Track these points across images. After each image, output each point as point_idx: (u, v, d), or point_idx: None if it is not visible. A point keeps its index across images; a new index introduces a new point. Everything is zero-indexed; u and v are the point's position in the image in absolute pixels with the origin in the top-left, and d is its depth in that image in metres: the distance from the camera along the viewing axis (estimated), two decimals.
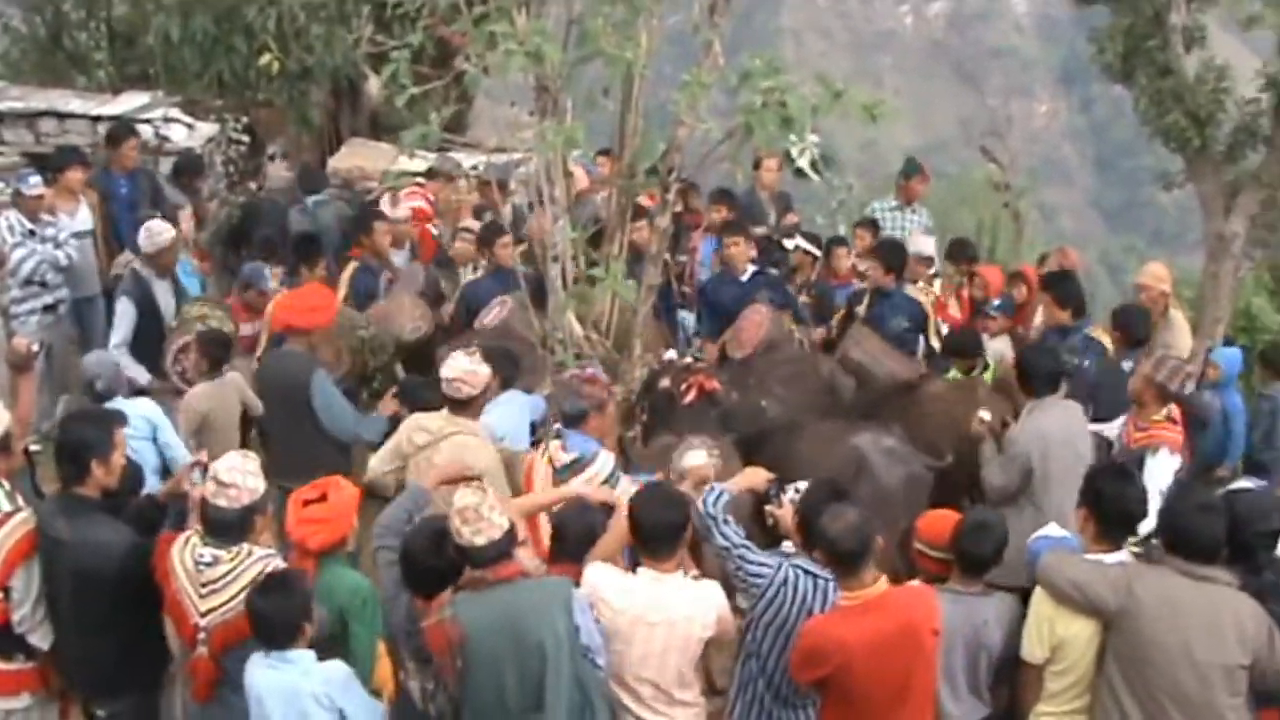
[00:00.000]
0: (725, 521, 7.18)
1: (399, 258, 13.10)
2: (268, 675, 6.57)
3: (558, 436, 8.64)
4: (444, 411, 8.66)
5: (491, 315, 11.29)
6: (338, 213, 14.30)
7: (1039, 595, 7.24)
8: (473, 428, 8.62)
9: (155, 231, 11.59)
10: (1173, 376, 9.24)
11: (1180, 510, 6.97)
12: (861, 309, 11.91)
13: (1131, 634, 6.86)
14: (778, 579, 6.97)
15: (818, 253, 14.35)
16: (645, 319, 10.37)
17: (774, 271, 12.85)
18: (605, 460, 8.47)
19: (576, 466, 8.41)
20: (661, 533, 6.99)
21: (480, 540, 6.56)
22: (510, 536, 6.70)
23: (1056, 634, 7.12)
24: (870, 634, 6.61)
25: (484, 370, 8.63)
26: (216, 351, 10.41)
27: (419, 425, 8.72)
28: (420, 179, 14.38)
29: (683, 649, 7.02)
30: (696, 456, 8.41)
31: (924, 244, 13.56)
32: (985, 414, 9.54)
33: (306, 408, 9.78)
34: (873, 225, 14.22)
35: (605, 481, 8.33)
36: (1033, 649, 7.24)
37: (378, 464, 8.86)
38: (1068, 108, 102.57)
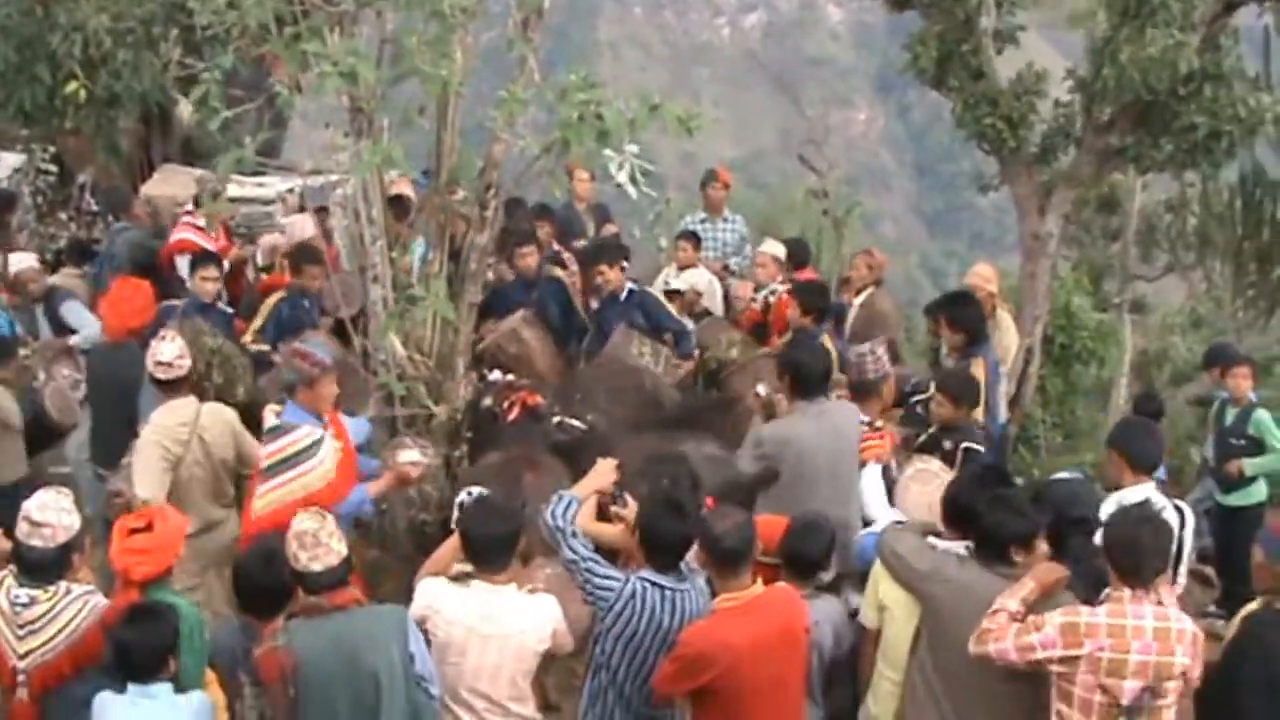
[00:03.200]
0: (574, 535, 7.20)
1: None
2: (128, 714, 6.42)
3: (280, 402, 8.84)
4: (164, 401, 9.26)
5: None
6: (130, 240, 14.06)
7: (876, 562, 7.59)
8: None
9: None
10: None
11: (976, 505, 7.23)
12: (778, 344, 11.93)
13: (933, 616, 7.18)
14: (625, 592, 7.01)
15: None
16: (466, 339, 10.37)
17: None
18: (305, 432, 8.59)
19: (277, 432, 8.57)
20: (492, 544, 7.08)
21: (317, 566, 6.55)
22: (347, 563, 6.69)
23: (879, 597, 7.48)
24: (754, 635, 6.77)
25: (186, 350, 9.36)
26: None
27: (164, 425, 9.13)
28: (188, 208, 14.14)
29: (516, 662, 7.08)
30: (409, 454, 8.87)
31: (774, 245, 13.79)
32: (762, 388, 9.69)
33: (135, 402, 9.94)
34: (694, 238, 14.28)
35: (303, 450, 8.48)
36: (866, 614, 7.64)
37: (148, 489, 8.97)
38: (885, 114, 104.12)
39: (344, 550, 6.65)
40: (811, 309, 11.63)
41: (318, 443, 8.58)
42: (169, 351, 9.20)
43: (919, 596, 7.26)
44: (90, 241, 15.60)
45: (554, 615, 7.20)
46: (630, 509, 7.75)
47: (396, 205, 11.37)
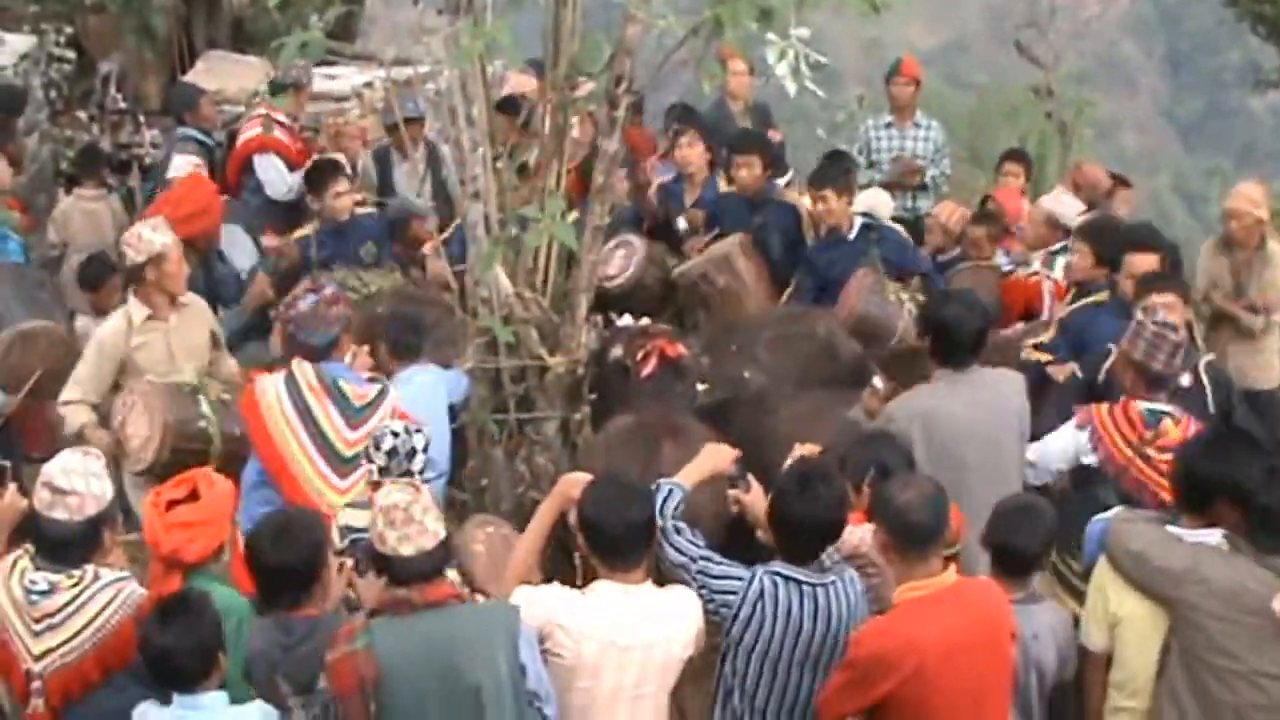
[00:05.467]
0: (678, 530, 7.23)
1: None
2: None
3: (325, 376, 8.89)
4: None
5: None
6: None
7: (1100, 565, 7.50)
8: None
9: None
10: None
11: (1232, 478, 7.15)
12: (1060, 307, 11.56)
13: (1193, 629, 7.05)
14: (752, 592, 7.01)
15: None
16: (589, 272, 10.38)
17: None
18: (390, 388, 8.98)
19: (365, 414, 8.77)
20: (625, 535, 6.96)
21: (408, 549, 6.52)
22: (444, 548, 6.69)
23: (1111, 610, 7.37)
24: (946, 632, 6.68)
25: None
26: None
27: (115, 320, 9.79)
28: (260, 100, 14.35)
29: (661, 676, 7.05)
30: None
31: (1065, 205, 13.04)
32: (878, 381, 9.59)
33: None
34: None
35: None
36: (1091, 632, 7.53)
37: (81, 393, 9.68)
38: None
39: (442, 531, 6.63)
40: (1106, 257, 11.02)
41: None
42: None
43: (1170, 606, 7.16)
44: (118, 147, 15.80)
45: (698, 612, 7.12)
46: (755, 493, 7.74)
47: (507, 105, 11.46)
